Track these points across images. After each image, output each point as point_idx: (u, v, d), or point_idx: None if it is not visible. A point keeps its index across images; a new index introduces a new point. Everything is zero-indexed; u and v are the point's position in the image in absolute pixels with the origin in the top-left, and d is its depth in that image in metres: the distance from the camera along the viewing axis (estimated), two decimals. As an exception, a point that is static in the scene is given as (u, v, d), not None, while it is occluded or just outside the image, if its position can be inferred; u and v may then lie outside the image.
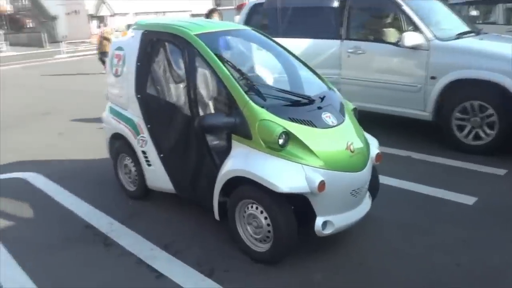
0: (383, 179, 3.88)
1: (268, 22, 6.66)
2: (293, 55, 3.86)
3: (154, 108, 3.84)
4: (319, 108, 3.21)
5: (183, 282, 2.99)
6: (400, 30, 5.65)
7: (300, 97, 3.24)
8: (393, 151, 5.20)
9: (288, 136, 2.96)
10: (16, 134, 7.07)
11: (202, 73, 3.53)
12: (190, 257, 3.27)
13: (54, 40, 32.71)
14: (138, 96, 3.89)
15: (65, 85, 12.61)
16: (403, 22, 5.73)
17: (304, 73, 3.75)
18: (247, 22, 6.75)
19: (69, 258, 3.34)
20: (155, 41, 3.80)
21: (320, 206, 2.99)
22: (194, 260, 3.23)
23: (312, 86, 3.56)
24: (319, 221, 3.00)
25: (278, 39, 5.98)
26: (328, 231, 3.03)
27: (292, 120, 3.04)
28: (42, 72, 16.10)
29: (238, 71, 3.27)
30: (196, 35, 3.46)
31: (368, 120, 4.27)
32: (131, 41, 3.99)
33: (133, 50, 3.93)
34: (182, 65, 3.58)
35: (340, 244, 3.31)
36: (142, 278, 3.07)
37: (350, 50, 5.90)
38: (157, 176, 3.87)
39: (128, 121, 4.05)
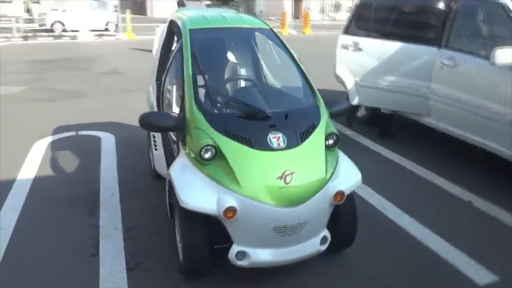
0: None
1: (364, 21, 5.99)
2: (296, 64, 3.41)
3: (160, 96, 3.91)
4: (271, 126, 2.82)
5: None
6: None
7: (253, 110, 2.89)
8: (452, 189, 4.34)
9: (216, 150, 2.71)
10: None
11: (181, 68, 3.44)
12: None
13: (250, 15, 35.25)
14: (157, 82, 4.02)
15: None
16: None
17: (290, 84, 3.32)
18: (356, 18, 6.13)
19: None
20: (170, 31, 3.84)
21: (236, 234, 2.69)
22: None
23: (289, 100, 3.14)
24: (234, 249, 2.71)
25: (367, 40, 5.51)
26: (243, 262, 2.72)
27: (227, 134, 2.75)
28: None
29: (204, 72, 3.09)
30: (191, 29, 3.38)
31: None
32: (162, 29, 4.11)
33: (161, 38, 4.05)
34: (178, 57, 3.55)
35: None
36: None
37: (445, 61, 4.92)
38: (160, 161, 3.96)
39: (151, 104, 4.24)
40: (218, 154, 2.71)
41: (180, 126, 2.92)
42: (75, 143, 5.61)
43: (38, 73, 10.63)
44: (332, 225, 2.96)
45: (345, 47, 5.73)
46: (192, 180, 2.74)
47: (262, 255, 2.72)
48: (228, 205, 2.55)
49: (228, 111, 2.96)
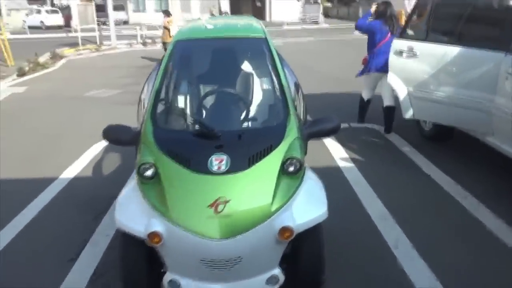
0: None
1: (421, 23, 5.23)
2: (278, 78, 3.08)
3: (138, 110, 3.79)
4: (218, 147, 2.58)
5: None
6: None
7: (203, 129, 2.66)
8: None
9: (156, 169, 2.57)
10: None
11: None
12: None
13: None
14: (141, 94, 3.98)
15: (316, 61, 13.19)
16: None
17: (264, 100, 3.04)
18: (412, 20, 5.42)
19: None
20: None
21: (167, 260, 2.52)
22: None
23: (253, 118, 2.84)
24: (167, 277, 2.55)
25: (423, 44, 4.80)
26: None
27: (169, 153, 2.59)
28: (332, 46, 16.95)
29: (173, 85, 2.96)
30: (177, 41, 3.29)
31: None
32: None
33: None
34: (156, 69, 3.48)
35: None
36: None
37: (512, 70, 4.06)
38: None
39: None
40: (158, 174, 2.56)
41: (135, 141, 2.83)
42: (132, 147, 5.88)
43: (138, 77, 11.48)
44: (293, 263, 2.63)
45: (398, 52, 5.07)
46: (130, 199, 2.64)
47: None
48: (152, 229, 2.39)
49: (178, 128, 2.80)
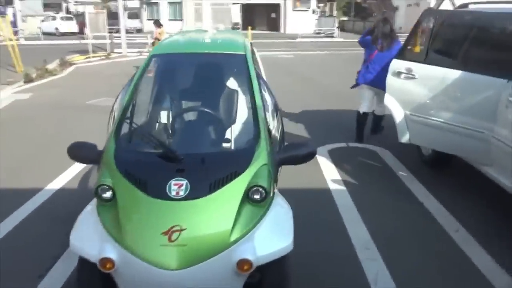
0: None
1: (421, 44, 5.04)
2: (253, 98, 2.93)
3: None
4: (179, 170, 2.45)
5: None
6: None
7: (165, 151, 2.53)
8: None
9: (113, 191, 2.44)
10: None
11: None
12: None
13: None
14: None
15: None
16: None
17: (235, 122, 2.91)
18: (412, 40, 5.24)
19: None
20: None
21: (123, 286, 2.39)
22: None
23: (219, 140, 2.71)
24: None
25: (422, 66, 4.62)
26: None
27: (127, 175, 2.47)
28: (342, 60, 16.75)
29: (138, 102, 2.85)
30: (153, 55, 3.18)
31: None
32: None
33: None
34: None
35: None
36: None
37: (513, 98, 3.85)
38: None
39: None
40: (115, 197, 2.43)
41: (98, 160, 2.71)
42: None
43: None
44: None
45: (396, 73, 4.89)
46: (87, 221, 2.52)
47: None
48: (104, 255, 2.27)
49: (141, 149, 2.68)
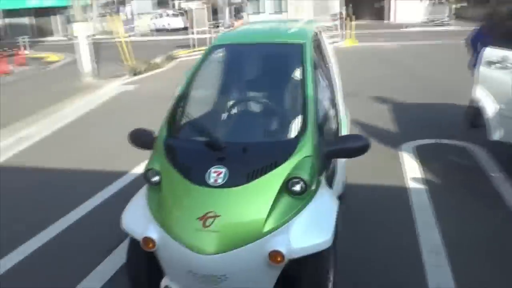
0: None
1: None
2: (307, 89, 2.79)
3: None
4: (220, 159, 2.46)
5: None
6: None
7: (209, 139, 2.55)
8: None
9: (161, 176, 2.54)
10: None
11: None
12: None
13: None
14: None
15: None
16: None
17: (286, 112, 2.88)
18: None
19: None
20: None
21: (164, 265, 2.49)
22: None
23: (266, 130, 2.65)
24: (163, 282, 2.53)
25: None
26: None
27: (173, 161, 2.55)
28: (451, 51, 15.59)
29: (193, 92, 2.92)
30: (213, 46, 3.26)
31: None
32: None
33: None
34: None
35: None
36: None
37: None
38: None
39: None
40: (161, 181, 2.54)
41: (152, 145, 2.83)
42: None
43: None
44: None
45: (489, 63, 4.37)
46: (138, 202, 2.66)
47: (186, 298, 2.43)
48: (146, 235, 2.39)
49: (188, 137, 2.73)
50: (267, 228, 2.27)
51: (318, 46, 3.63)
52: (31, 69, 13.89)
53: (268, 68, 3.42)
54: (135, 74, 12.62)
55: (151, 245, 2.38)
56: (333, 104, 3.21)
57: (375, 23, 30.47)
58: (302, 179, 2.36)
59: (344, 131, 3.78)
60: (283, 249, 2.22)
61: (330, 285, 2.65)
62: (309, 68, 2.91)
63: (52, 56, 17.25)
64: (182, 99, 2.95)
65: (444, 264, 3.17)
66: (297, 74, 2.94)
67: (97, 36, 24.62)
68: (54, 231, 3.92)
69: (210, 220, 2.27)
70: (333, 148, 2.67)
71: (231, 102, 3.10)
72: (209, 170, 2.42)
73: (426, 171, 4.83)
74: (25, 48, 18.45)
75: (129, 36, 23.13)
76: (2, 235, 3.87)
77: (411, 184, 4.53)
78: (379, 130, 6.37)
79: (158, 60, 14.93)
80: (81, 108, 8.94)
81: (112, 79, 11.89)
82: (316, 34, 3.60)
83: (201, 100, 3.18)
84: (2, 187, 4.94)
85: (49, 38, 23.28)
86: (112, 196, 4.56)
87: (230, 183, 2.38)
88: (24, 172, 5.40)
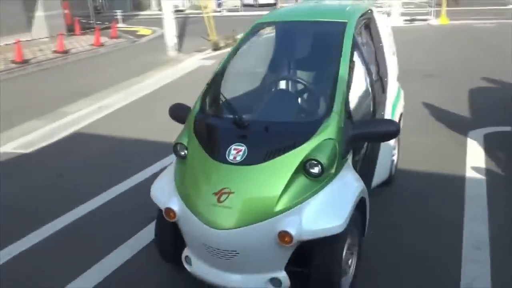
0: None
1: None
2: (342, 69, 2.73)
3: None
4: (242, 137, 2.52)
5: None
6: None
7: (234, 117, 2.60)
8: None
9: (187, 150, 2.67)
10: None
11: None
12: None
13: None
14: None
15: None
16: None
17: (316, 92, 2.85)
18: None
19: None
20: None
21: (184, 236, 2.63)
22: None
23: (293, 110, 2.65)
24: (185, 251, 2.68)
25: None
26: (188, 267, 2.66)
27: (199, 137, 2.66)
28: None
29: (230, 69, 3.02)
30: (257, 24, 3.30)
31: None
32: None
33: None
34: None
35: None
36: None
37: None
38: None
39: None
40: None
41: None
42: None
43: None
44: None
45: None
46: (166, 174, 2.81)
47: (201, 268, 2.58)
48: (167, 205, 2.54)
49: (217, 113, 2.81)
50: (278, 207, 2.30)
51: (367, 26, 3.50)
52: (122, 42, 14.80)
53: (307, 46, 3.37)
54: (215, 50, 12.94)
55: (172, 215, 2.52)
56: (377, 86, 3.09)
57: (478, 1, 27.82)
58: (319, 162, 2.35)
59: (392, 114, 3.65)
60: (292, 230, 2.24)
61: (350, 271, 2.65)
62: (347, 47, 2.83)
63: (143, 30, 18.20)
64: (219, 75, 3.03)
65: (484, 260, 2.99)
66: (335, 53, 2.88)
67: (188, 11, 25.48)
68: (114, 193, 4.26)
69: (225, 196, 2.35)
70: (360, 131, 2.60)
71: (264, 80, 3.12)
72: (230, 147, 2.49)
73: (490, 160, 4.51)
74: (119, 22, 19.67)
75: (217, 11, 23.64)
76: (66, 192, 4.32)
77: (469, 173, 4.26)
78: (451, 114, 6.00)
79: (239, 36, 15.08)
80: (160, 81, 9.41)
81: (194, 54, 12.33)
82: (367, 13, 3.47)
83: (237, 77, 3.23)
84: (75, 152, 5.46)
85: (144, 12, 24.53)
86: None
87: (247, 161, 2.43)
88: (97, 139, 5.88)
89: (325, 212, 2.34)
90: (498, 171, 4.29)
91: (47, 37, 13.96)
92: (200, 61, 11.58)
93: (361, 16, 3.29)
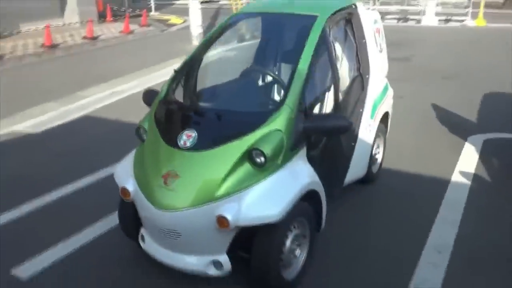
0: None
1: None
2: (302, 64, 2.76)
3: None
4: (195, 123, 2.62)
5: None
6: None
7: (192, 104, 2.69)
8: None
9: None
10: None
11: None
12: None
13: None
14: None
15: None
16: None
17: (266, 85, 3.02)
18: None
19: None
20: None
21: (139, 215, 2.74)
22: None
23: (248, 100, 2.71)
24: (141, 230, 2.82)
25: None
26: (142, 243, 2.80)
27: (157, 121, 2.77)
28: None
29: (199, 56, 3.16)
30: (234, 14, 3.38)
31: None
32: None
33: None
34: None
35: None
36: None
37: None
38: None
39: None
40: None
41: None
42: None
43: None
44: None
45: None
46: (129, 156, 2.94)
47: (151, 247, 2.72)
48: (122, 185, 2.67)
49: (178, 99, 2.90)
50: (219, 193, 2.39)
51: (348, 21, 3.49)
52: (150, 30, 15.08)
53: (278, 39, 3.43)
54: (241, 41, 13.04)
55: (127, 195, 2.65)
56: (356, 82, 3.11)
57: None
58: (262, 152, 2.40)
59: (372, 111, 3.64)
60: (229, 215, 2.32)
61: (298, 263, 2.71)
62: (311, 41, 2.85)
63: (175, 19, 18.45)
64: (188, 63, 3.12)
65: (442, 264, 2.97)
66: (299, 47, 2.91)
67: (222, 2, 25.69)
68: (110, 172, 4.37)
69: (171, 179, 2.46)
70: (310, 125, 2.63)
71: (230, 70, 3.19)
72: (182, 133, 2.59)
73: (482, 167, 4.40)
74: (152, 10, 20.02)
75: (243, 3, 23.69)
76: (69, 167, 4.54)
77: (455, 178, 4.19)
78: (456, 117, 5.87)
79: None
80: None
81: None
82: (348, 7, 3.46)
83: (205, 66, 3.31)
84: (80, 133, 5.69)
85: (180, 1, 24.89)
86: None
87: (196, 147, 2.52)
88: (103, 122, 6.10)
89: (263, 200, 2.41)
90: (486, 178, 4.19)
91: (78, 23, 14.43)
92: (222, 53, 11.71)
93: (340, 10, 3.29)
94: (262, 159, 2.41)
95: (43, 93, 7.52)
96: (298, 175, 2.60)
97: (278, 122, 2.52)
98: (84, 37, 12.55)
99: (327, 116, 2.78)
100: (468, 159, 4.58)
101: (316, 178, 2.72)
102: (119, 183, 2.75)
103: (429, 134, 5.31)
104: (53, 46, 11.27)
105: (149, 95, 3.16)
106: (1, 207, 3.79)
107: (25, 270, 3.00)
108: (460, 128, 5.43)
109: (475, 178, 4.17)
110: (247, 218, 2.35)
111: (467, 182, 4.09)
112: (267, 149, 2.41)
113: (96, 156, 4.90)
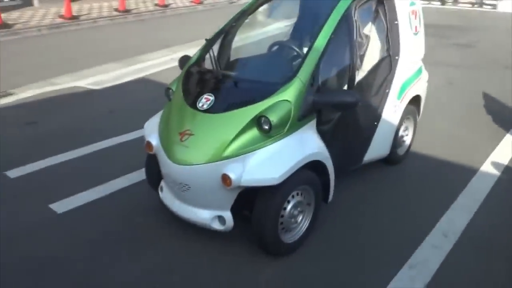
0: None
1: None
2: (323, 39, 2.87)
3: None
4: (214, 88, 2.86)
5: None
6: None
7: (215, 70, 2.92)
8: None
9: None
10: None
11: None
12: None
13: None
14: None
15: None
16: None
17: (286, 58, 3.13)
18: None
19: None
20: None
21: (160, 168, 3.02)
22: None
23: (266, 70, 2.93)
24: (162, 182, 3.11)
25: None
26: (160, 193, 3.11)
27: (183, 84, 3.04)
28: None
29: (232, 27, 3.37)
30: None
31: None
32: None
33: None
34: None
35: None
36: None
37: None
38: None
39: None
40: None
41: None
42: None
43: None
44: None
45: None
46: (159, 113, 3.22)
47: (166, 197, 3.02)
48: (147, 139, 2.98)
49: (205, 65, 3.13)
50: (226, 153, 2.61)
51: (380, 2, 3.51)
52: (220, 1, 15.38)
53: (308, 15, 3.54)
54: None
55: (150, 148, 2.95)
56: (385, 63, 3.22)
57: None
58: (268, 120, 2.59)
59: (400, 93, 3.67)
60: (232, 175, 2.54)
61: (298, 229, 2.89)
62: (332, 20, 2.95)
63: (246, -9, 18.66)
64: (220, 33, 3.35)
65: (444, 247, 3.01)
66: (321, 24, 3.01)
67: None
68: None
69: (186, 136, 2.72)
70: (319, 99, 2.76)
71: (259, 42, 3.38)
72: (202, 96, 2.84)
73: (517, 159, 4.26)
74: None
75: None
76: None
77: (485, 168, 4.12)
78: (503, 108, 5.65)
79: None
80: (240, 40, 9.83)
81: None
82: None
83: (235, 36, 3.50)
84: (133, 94, 6.14)
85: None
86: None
87: (212, 109, 2.76)
88: (156, 86, 6.50)
89: (266, 164, 2.60)
90: (517, 171, 4.08)
91: (152, -10, 15.01)
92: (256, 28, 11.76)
93: None
94: (268, 126, 2.60)
95: (109, 53, 8.10)
96: (303, 145, 2.75)
97: (288, 93, 2.68)
98: (156, 5, 13.11)
99: (337, 91, 2.89)
100: (504, 151, 4.45)
101: (323, 150, 2.86)
102: (145, 137, 3.06)
103: (471, 123, 5.17)
104: (126, 11, 11.91)
105: (183, 61, 3.42)
106: (49, 152, 4.28)
107: (61, 205, 3.45)
108: (504, 120, 5.23)
109: (506, 170, 4.07)
110: (249, 179, 2.56)
111: (496, 173, 4.01)
112: (274, 117, 2.59)
113: (145, 115, 5.27)
